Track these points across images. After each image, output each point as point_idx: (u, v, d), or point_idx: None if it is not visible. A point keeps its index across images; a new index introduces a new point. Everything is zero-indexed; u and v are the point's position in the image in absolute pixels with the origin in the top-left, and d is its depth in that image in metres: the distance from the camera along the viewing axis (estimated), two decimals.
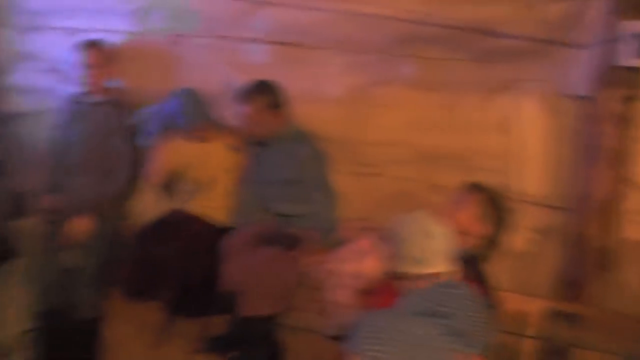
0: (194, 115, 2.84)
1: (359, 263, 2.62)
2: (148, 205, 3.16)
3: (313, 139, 2.71)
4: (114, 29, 3.10)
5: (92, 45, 2.92)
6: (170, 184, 3.03)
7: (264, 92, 2.70)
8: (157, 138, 2.92)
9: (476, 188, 2.29)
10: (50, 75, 3.30)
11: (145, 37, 3.06)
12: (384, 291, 2.26)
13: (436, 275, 1.88)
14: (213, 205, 2.95)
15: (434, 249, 1.87)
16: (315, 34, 2.78)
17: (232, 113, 2.79)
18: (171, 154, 2.95)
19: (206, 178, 2.91)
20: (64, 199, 3.01)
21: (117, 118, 2.95)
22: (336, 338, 2.63)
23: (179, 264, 2.69)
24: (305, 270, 2.67)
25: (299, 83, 2.82)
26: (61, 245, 2.91)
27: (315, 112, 2.79)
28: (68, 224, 2.90)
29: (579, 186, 2.43)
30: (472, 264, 2.11)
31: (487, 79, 2.61)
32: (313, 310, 2.71)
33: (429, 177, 2.79)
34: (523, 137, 2.60)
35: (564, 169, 2.54)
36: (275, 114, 2.71)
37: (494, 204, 2.23)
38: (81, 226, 2.88)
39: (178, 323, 2.92)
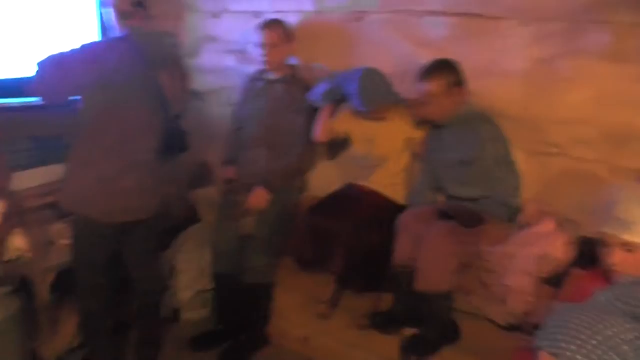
0: (372, 99, 2.86)
1: (544, 247, 2.51)
2: (325, 179, 3.26)
3: (493, 119, 2.64)
4: (294, 10, 3.21)
5: (271, 25, 3.08)
6: (346, 158, 3.10)
7: (445, 70, 2.66)
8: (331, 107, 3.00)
9: None
10: (233, 56, 3.50)
11: (325, 15, 3.13)
12: (574, 281, 2.07)
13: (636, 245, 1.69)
14: (389, 182, 3.00)
15: None
16: (497, 4, 2.68)
17: (414, 90, 2.76)
18: (344, 121, 3.04)
19: (384, 155, 2.94)
20: (241, 170, 3.16)
21: (294, 95, 3.05)
22: (512, 328, 2.53)
23: (351, 237, 2.75)
24: (483, 252, 2.60)
25: (479, 57, 2.77)
26: (238, 214, 3.02)
27: (495, 87, 2.71)
28: (245, 195, 3.06)
29: None
30: None
31: None
32: (486, 296, 2.62)
33: (616, 160, 2.59)
34: None
35: None
36: (456, 93, 2.67)
37: None
38: (257, 197, 3.02)
39: (346, 296, 3.01)
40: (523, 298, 2.50)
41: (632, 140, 2.53)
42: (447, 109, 2.68)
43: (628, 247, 1.75)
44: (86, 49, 2.51)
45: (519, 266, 2.50)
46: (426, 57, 2.88)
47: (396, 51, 2.95)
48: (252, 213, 3.03)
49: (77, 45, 2.45)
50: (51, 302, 2.86)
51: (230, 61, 3.52)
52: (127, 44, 2.49)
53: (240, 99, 3.27)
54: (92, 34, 3.25)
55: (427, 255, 2.54)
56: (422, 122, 2.87)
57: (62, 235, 2.99)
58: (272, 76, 3.13)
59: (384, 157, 2.96)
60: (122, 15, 2.58)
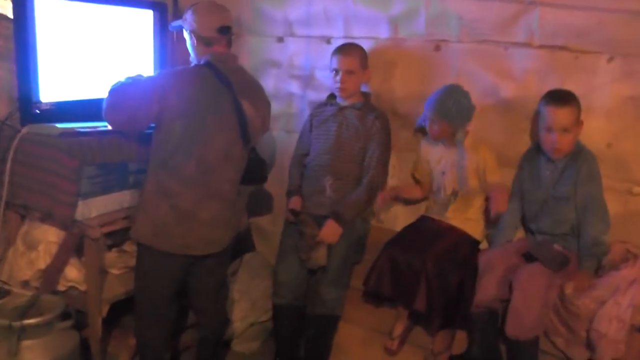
0: (446, 109, 2.83)
1: (637, 293, 2.45)
2: (397, 211, 3.21)
3: (593, 156, 2.67)
4: (368, 36, 3.17)
5: (349, 50, 3.10)
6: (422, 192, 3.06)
7: (575, 99, 2.64)
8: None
9: None
10: (297, 81, 3.45)
11: (404, 42, 3.15)
12: None
13: None
14: (468, 217, 3.02)
15: None
16: (585, 36, 2.72)
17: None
18: (423, 157, 2.96)
19: (463, 188, 2.86)
20: (308, 201, 3.13)
21: (366, 122, 3.02)
22: None
23: (433, 273, 2.76)
24: (569, 294, 2.60)
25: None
26: (306, 246, 2.97)
27: (585, 123, 2.70)
28: (312, 227, 3.05)
29: None
30: None
31: None
32: (571, 339, 2.57)
33: None
34: None
35: None
36: (579, 126, 2.68)
37: None
38: (329, 230, 3.02)
39: (414, 332, 3.01)
40: (614, 346, 2.48)
41: None
42: (573, 142, 2.67)
43: None
44: (164, 77, 2.47)
45: (611, 312, 2.49)
46: (509, 91, 2.95)
47: (477, 83, 2.99)
48: (323, 245, 3.01)
49: (152, 71, 2.36)
50: (103, 335, 2.85)
51: (293, 87, 3.49)
52: (209, 71, 2.42)
53: (306, 125, 3.25)
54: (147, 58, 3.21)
55: (521, 299, 2.57)
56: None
57: (115, 264, 2.91)
58: (344, 102, 3.08)
59: (463, 190, 2.94)
60: (204, 41, 2.50)
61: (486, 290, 2.67)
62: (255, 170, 2.69)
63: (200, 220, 2.48)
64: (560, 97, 2.62)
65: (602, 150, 2.72)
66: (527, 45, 2.83)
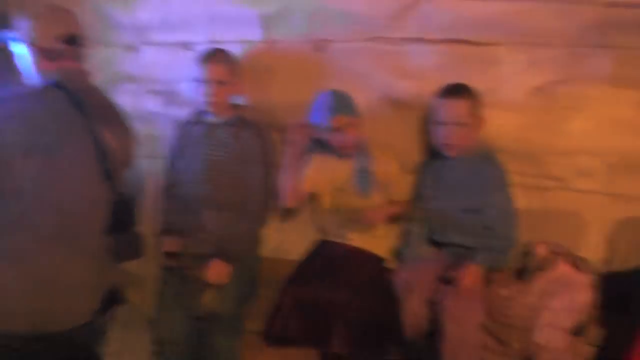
0: (337, 108, 2.52)
1: (570, 296, 2.30)
2: (289, 238, 2.79)
3: (498, 160, 2.48)
4: (236, 39, 2.76)
5: (217, 57, 2.64)
6: (316, 211, 2.66)
7: (470, 92, 2.45)
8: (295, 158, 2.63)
9: None
10: (157, 97, 2.93)
11: (280, 45, 2.73)
12: None
13: None
14: (374, 234, 2.64)
15: None
16: (488, 28, 2.52)
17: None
18: (317, 172, 2.59)
19: (363, 204, 2.53)
20: (187, 239, 2.62)
21: (245, 141, 2.60)
22: None
23: (350, 306, 2.41)
24: (499, 306, 2.37)
25: (473, 86, 2.56)
26: (188, 293, 2.50)
27: (492, 119, 2.52)
28: (196, 269, 2.62)
29: None
30: None
31: None
32: (505, 353, 2.35)
33: (621, 189, 2.52)
34: None
35: None
36: (477, 123, 2.47)
37: None
38: (216, 271, 2.60)
39: None
40: (556, 355, 2.27)
41: (633, 167, 2.49)
42: (468, 140, 2.47)
43: None
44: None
45: (547, 320, 2.29)
46: (408, 91, 2.67)
47: (370, 85, 2.70)
48: (209, 288, 2.58)
49: None
50: None
51: (154, 104, 2.97)
52: (59, 93, 1.88)
53: (172, 149, 2.74)
54: None
55: (456, 332, 2.29)
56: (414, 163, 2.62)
57: None
58: (215, 119, 2.62)
59: (363, 207, 2.56)
60: (47, 55, 1.95)
61: (413, 315, 2.37)
62: (125, 212, 2.18)
63: (62, 288, 1.93)
64: (452, 90, 2.45)
65: (517, 144, 2.56)
66: (423, 40, 2.59)
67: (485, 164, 2.46)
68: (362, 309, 2.39)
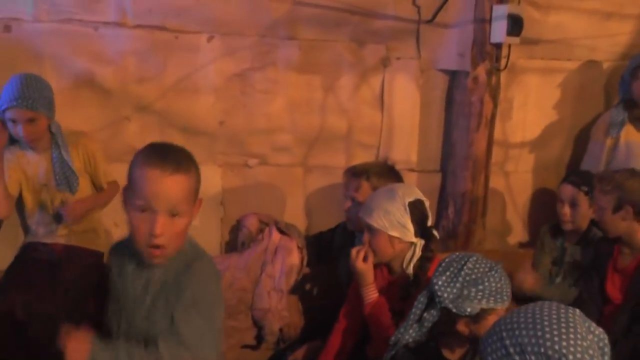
0: (35, 98, 2.27)
1: (284, 260, 2.59)
2: None
3: None
4: None
5: None
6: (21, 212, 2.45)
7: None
8: None
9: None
10: None
11: None
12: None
13: None
14: (85, 228, 2.54)
15: None
16: (190, 16, 2.62)
17: None
18: (15, 171, 2.38)
19: (74, 189, 2.46)
20: None
21: None
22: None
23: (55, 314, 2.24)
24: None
25: (168, 73, 2.67)
26: None
27: (189, 104, 2.67)
28: None
29: (457, 149, 2.81)
30: None
31: (364, 58, 2.86)
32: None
33: (310, 161, 2.92)
34: (398, 112, 2.85)
35: (437, 137, 2.90)
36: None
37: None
38: None
39: None
40: (279, 315, 2.57)
41: (323, 141, 2.90)
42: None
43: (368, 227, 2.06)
44: None
45: (267, 286, 2.54)
46: (106, 76, 2.61)
47: (67, 69, 2.56)
48: None
49: None
50: None
51: None
52: None
53: None
54: None
55: None
56: None
57: None
58: None
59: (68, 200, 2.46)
60: None
61: None
62: None
63: None
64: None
65: (215, 128, 2.73)
66: (120, 25, 2.54)
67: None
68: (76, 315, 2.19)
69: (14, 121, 2.27)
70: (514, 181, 3.17)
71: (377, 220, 2.00)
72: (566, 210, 2.73)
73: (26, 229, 2.52)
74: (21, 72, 2.31)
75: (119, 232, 2.58)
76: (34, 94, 2.26)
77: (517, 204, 3.21)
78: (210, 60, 2.65)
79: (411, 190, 2.11)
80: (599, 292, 2.59)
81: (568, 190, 2.75)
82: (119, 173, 2.51)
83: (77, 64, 2.56)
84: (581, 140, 3.23)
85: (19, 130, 2.28)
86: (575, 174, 2.85)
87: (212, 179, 2.80)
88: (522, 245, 3.27)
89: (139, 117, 2.68)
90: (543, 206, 3.13)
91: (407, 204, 2.03)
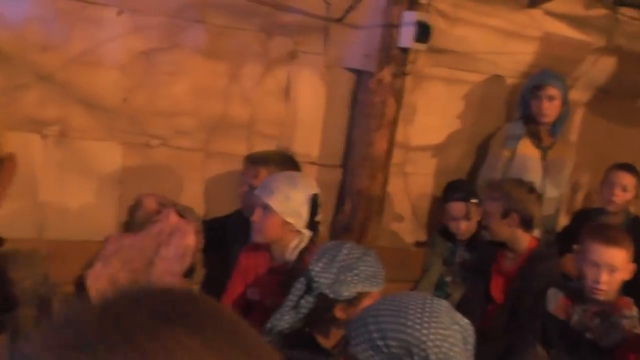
0: None
1: (181, 242, 2.60)
2: None
3: None
4: None
5: None
6: None
7: None
8: None
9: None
10: None
11: None
12: None
13: None
14: None
15: None
16: None
17: None
18: None
19: None
20: None
21: None
22: None
23: None
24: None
25: (72, 43, 2.60)
26: None
27: (92, 77, 2.62)
28: None
29: (357, 147, 2.88)
30: None
31: (271, 50, 2.90)
32: None
33: (211, 147, 2.93)
34: (302, 105, 2.92)
35: (340, 133, 2.96)
36: None
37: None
38: None
39: None
40: None
41: (225, 128, 2.91)
42: None
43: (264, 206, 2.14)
44: None
45: (162, 269, 2.54)
46: (6, 41, 2.52)
47: None
48: None
49: None
50: None
51: None
52: None
53: None
54: None
55: None
56: None
57: None
58: None
59: None
60: None
61: None
62: None
63: None
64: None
65: (118, 105, 2.68)
66: None
67: None
68: None
69: None
70: (413, 183, 3.29)
71: (276, 203, 2.08)
72: (462, 225, 2.90)
73: None
74: None
75: None
76: None
77: (414, 204, 3.33)
78: (117, 35, 2.61)
79: (311, 182, 2.20)
80: (483, 292, 2.76)
81: (459, 207, 2.93)
82: (15, 142, 2.50)
83: None
84: (481, 150, 3.40)
85: None
86: (458, 189, 3.02)
87: (111, 156, 2.75)
88: (418, 244, 3.39)
89: (39, 86, 2.58)
90: (440, 208, 3.25)
91: (309, 195, 2.11)
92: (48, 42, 2.53)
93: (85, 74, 2.62)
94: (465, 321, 1.28)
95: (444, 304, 1.28)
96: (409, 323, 1.21)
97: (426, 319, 1.22)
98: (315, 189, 2.16)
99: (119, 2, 2.61)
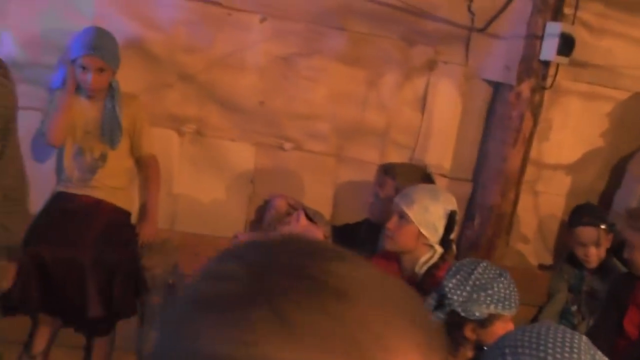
0: (106, 48, 2.41)
1: None
2: None
3: None
4: None
5: None
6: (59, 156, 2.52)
7: None
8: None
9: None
10: None
11: None
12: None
13: None
14: (116, 186, 2.60)
15: None
16: None
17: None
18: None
19: (116, 144, 2.54)
20: None
21: None
22: None
23: (95, 266, 2.34)
24: None
25: (216, 47, 2.70)
26: None
27: (232, 79, 2.70)
28: None
29: (490, 161, 2.79)
30: None
31: (411, 58, 2.88)
32: None
33: (345, 152, 2.94)
34: (437, 116, 2.86)
35: (473, 146, 2.89)
36: None
37: None
38: None
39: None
40: None
41: (360, 135, 2.92)
42: None
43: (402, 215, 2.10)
44: None
45: None
46: (155, 43, 2.67)
47: (117, 32, 2.52)
48: None
49: None
50: None
51: None
52: None
53: None
54: None
55: None
56: None
57: None
58: None
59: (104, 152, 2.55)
60: None
61: None
62: None
63: None
64: None
65: (254, 107, 2.76)
66: None
67: None
68: (107, 266, 2.35)
69: (84, 68, 2.40)
70: (543, 202, 3.15)
71: (415, 213, 2.06)
72: (592, 251, 2.73)
73: (60, 173, 2.59)
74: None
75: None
76: (107, 45, 2.41)
77: (543, 225, 3.19)
78: (259, 40, 2.68)
79: (451, 199, 2.17)
80: (615, 325, 2.59)
81: (590, 232, 2.74)
82: (155, 137, 2.68)
83: (128, 28, 2.59)
84: (617, 172, 3.22)
85: (88, 77, 2.40)
86: (586, 214, 2.82)
87: (245, 156, 2.84)
88: (542, 267, 3.25)
89: (181, 86, 2.71)
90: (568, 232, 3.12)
91: (448, 211, 2.08)
92: (193, 45, 2.65)
93: (225, 76, 2.71)
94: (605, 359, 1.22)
95: (583, 340, 1.22)
96: (549, 358, 1.16)
97: (567, 355, 1.16)
98: (454, 206, 2.12)
99: (263, 9, 2.68)
